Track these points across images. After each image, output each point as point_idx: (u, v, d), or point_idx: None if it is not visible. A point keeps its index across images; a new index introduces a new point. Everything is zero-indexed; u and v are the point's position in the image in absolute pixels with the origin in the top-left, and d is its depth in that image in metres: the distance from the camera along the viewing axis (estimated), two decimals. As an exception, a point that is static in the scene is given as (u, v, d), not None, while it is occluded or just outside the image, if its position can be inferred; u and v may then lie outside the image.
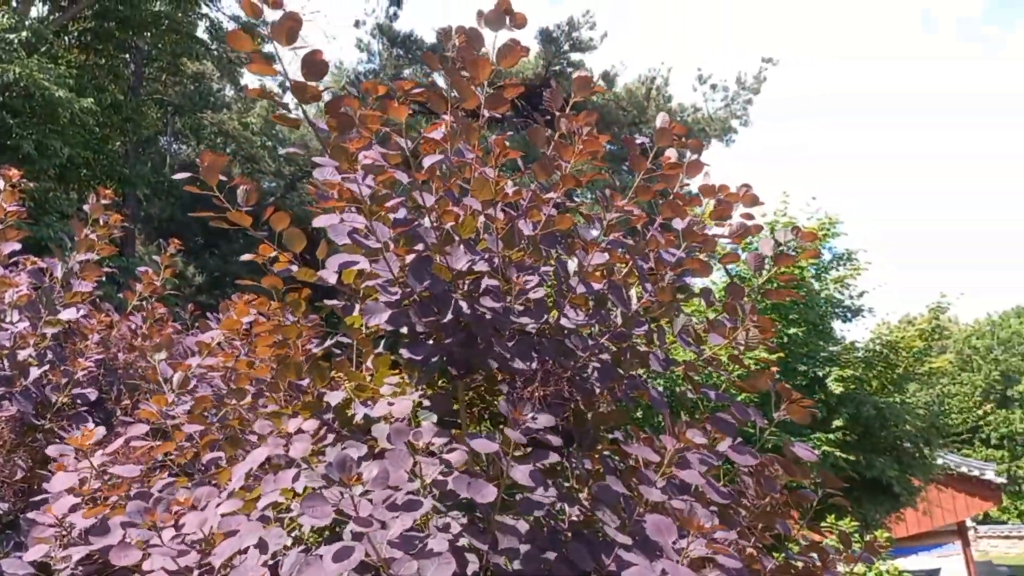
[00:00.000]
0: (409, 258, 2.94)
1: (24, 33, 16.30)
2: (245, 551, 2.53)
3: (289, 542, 2.66)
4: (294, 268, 3.12)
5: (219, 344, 3.89)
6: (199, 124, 25.32)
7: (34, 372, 3.95)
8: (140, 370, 4.41)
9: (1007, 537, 37.61)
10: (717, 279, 12.80)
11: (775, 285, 3.43)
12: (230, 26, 22.23)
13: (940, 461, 16.80)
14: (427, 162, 2.92)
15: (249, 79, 26.16)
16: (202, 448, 3.31)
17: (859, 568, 13.49)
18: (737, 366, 3.44)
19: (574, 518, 2.99)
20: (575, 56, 26.51)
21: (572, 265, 3.13)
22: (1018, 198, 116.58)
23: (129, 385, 4.33)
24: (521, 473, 2.58)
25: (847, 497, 3.24)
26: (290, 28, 2.74)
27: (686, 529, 2.52)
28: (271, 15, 2.74)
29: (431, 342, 2.98)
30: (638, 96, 26.36)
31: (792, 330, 12.67)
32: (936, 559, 22.80)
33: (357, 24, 26.76)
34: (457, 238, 2.98)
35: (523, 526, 2.68)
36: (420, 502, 2.45)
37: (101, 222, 4.76)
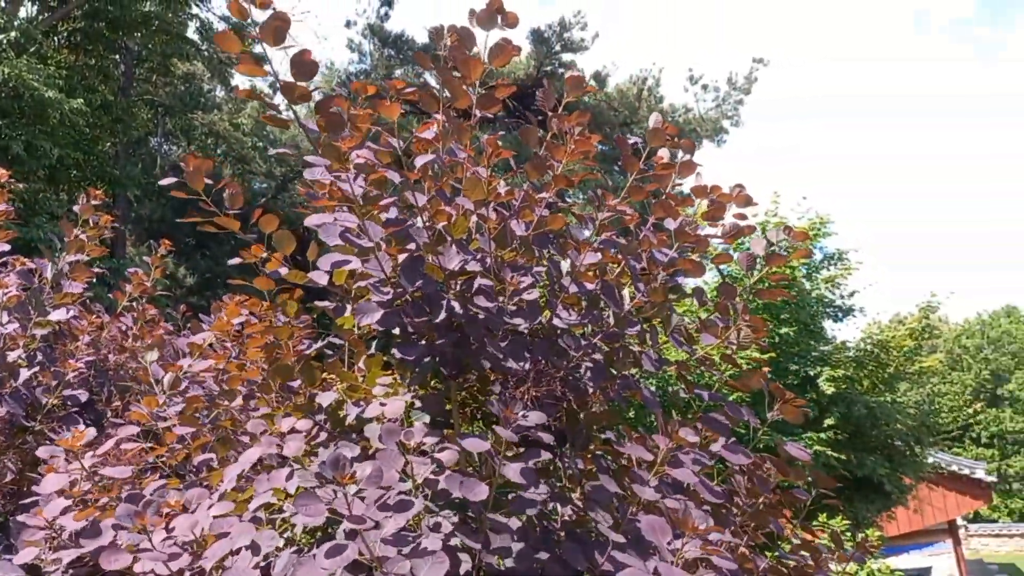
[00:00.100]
0: (401, 258, 2.93)
1: (13, 33, 16.22)
2: (236, 553, 2.51)
3: (281, 543, 2.65)
4: (284, 271, 3.10)
5: (210, 345, 3.87)
6: (190, 125, 25.21)
7: (24, 373, 3.93)
8: (131, 371, 4.39)
9: (997, 535, 37.79)
10: (709, 279, 12.83)
11: (766, 285, 3.43)
12: (220, 27, 22.16)
13: (931, 460, 16.87)
14: (420, 161, 2.92)
15: (240, 80, 26.06)
16: (194, 450, 3.29)
17: (851, 567, 13.53)
18: (729, 365, 3.44)
19: (566, 518, 2.99)
20: (566, 57, 26.49)
21: (565, 265, 3.12)
22: (1007, 199, 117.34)
23: (120, 386, 4.31)
24: (513, 471, 2.58)
25: (838, 496, 3.25)
26: (278, 28, 2.73)
27: (680, 529, 2.52)
28: (260, 16, 2.73)
29: (423, 342, 2.97)
30: (629, 96, 26.37)
31: (783, 329, 12.70)
32: (927, 558, 22.88)
33: (348, 24, 26.70)
34: (449, 238, 2.98)
35: (515, 524, 2.68)
36: (412, 502, 2.44)
37: (91, 223, 4.74)
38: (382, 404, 2.84)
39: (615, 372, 3.21)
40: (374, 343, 3.43)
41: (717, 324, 3.27)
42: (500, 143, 3.10)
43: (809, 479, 3.21)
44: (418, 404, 3.10)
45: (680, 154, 3.31)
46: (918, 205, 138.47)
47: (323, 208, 2.95)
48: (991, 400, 47.65)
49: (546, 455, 2.79)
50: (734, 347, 3.25)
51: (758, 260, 3.31)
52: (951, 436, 44.73)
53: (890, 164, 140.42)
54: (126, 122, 20.23)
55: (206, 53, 22.70)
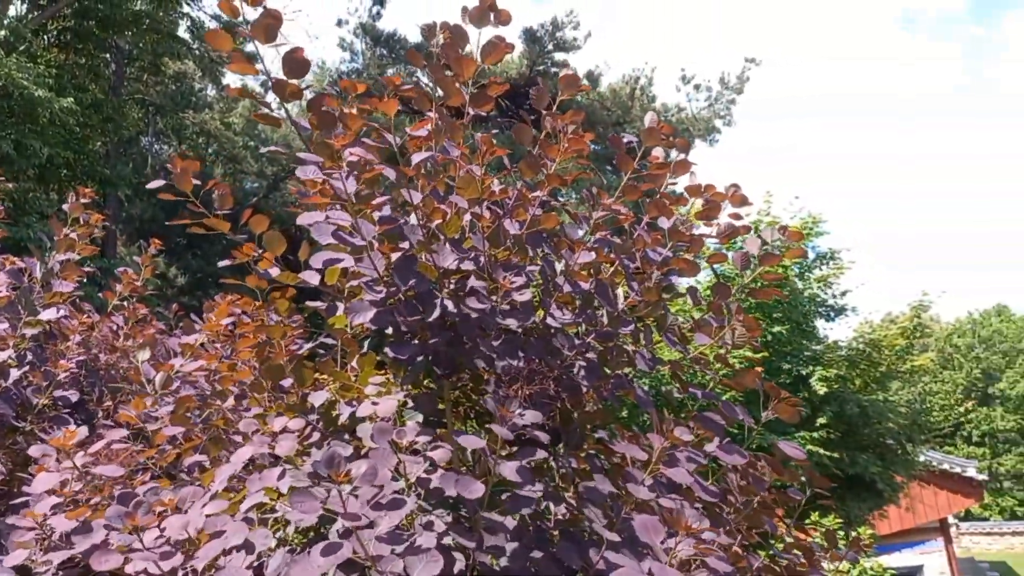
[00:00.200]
0: (394, 256, 2.92)
1: (2, 32, 16.16)
2: (229, 552, 2.50)
3: (273, 543, 2.64)
4: (276, 271, 3.08)
5: (202, 345, 3.85)
6: (181, 124, 25.15)
7: (14, 373, 3.90)
8: (122, 371, 4.36)
9: (988, 533, 37.98)
10: (702, 278, 12.83)
11: (760, 284, 3.43)
12: (212, 25, 22.10)
13: (922, 458, 16.93)
14: (416, 158, 2.91)
15: (231, 78, 26.02)
16: (184, 451, 3.27)
17: (844, 566, 13.56)
18: (723, 365, 3.44)
19: (559, 517, 2.98)
20: (559, 56, 26.53)
21: (559, 264, 3.12)
22: (999, 199, 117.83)
23: (111, 386, 4.28)
24: (509, 469, 2.57)
25: (831, 495, 3.25)
26: (269, 26, 2.71)
27: (674, 529, 2.51)
28: (252, 14, 2.72)
29: (416, 341, 2.96)
30: (622, 96, 26.41)
31: (776, 328, 12.72)
32: (919, 556, 22.96)
33: (340, 23, 26.68)
34: (443, 237, 2.96)
35: (511, 523, 2.67)
36: (405, 500, 2.43)
37: (81, 221, 4.71)
38: (374, 403, 2.83)
39: (609, 371, 3.21)
40: (367, 342, 3.42)
41: (711, 324, 3.27)
42: (494, 142, 3.09)
43: (803, 478, 3.21)
44: (411, 403, 3.09)
45: (674, 153, 3.30)
46: (912, 205, 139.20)
47: (315, 206, 2.93)
48: (982, 399, 47.89)
49: (541, 454, 2.78)
50: (728, 347, 3.25)
51: (752, 260, 3.31)
52: (943, 434, 44.94)
53: (885, 164, 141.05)
54: (117, 121, 20.15)
55: (197, 52, 22.65)
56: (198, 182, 2.90)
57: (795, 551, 3.13)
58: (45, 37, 20.50)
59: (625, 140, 3.30)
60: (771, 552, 3.17)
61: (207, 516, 2.66)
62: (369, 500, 2.37)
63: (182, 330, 4.41)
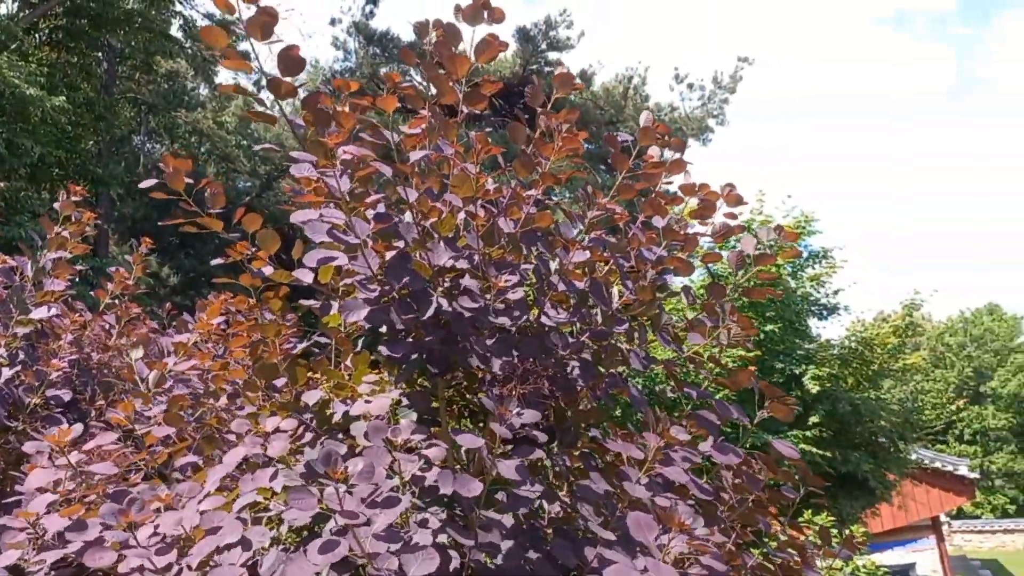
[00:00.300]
0: (388, 255, 2.91)
1: (-7, 30, 16.07)
2: (223, 550, 2.49)
3: (267, 542, 2.63)
4: (269, 270, 3.07)
5: (195, 344, 3.84)
6: (173, 123, 25.07)
7: (6, 373, 3.88)
8: (114, 370, 4.35)
9: (980, 531, 38.11)
10: (695, 277, 12.85)
11: (753, 283, 3.44)
12: (204, 24, 22.02)
13: (914, 456, 16.98)
14: (413, 156, 2.90)
15: (223, 77, 25.95)
16: (177, 451, 3.25)
17: (837, 563, 13.61)
18: (715, 365, 3.44)
19: (552, 515, 2.98)
20: (552, 55, 26.51)
21: (553, 263, 3.11)
22: (992, 199, 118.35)
23: (103, 385, 4.26)
24: (508, 468, 2.57)
25: (823, 493, 3.26)
26: (265, 23, 2.70)
27: (668, 526, 2.51)
28: (246, 12, 2.71)
29: (411, 339, 2.96)
30: (615, 95, 26.41)
31: (769, 327, 12.75)
32: (911, 554, 23.03)
33: (333, 22, 26.67)
34: (437, 235, 2.96)
35: (509, 522, 2.67)
36: (399, 498, 2.43)
37: (73, 219, 4.68)
38: (368, 401, 2.83)
39: (603, 370, 3.21)
40: (361, 341, 3.41)
41: (705, 323, 3.27)
42: (488, 140, 3.09)
43: (797, 477, 3.22)
44: (405, 402, 3.09)
45: (668, 152, 3.30)
46: (904, 205, 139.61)
47: (309, 204, 2.93)
48: (974, 397, 48.09)
49: (538, 452, 2.78)
50: (724, 345, 3.25)
51: (748, 259, 3.31)
52: (934, 433, 45.08)
53: (878, 165, 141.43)
54: (109, 120, 20.09)
55: (190, 51, 22.59)
56: (191, 180, 2.89)
57: (789, 549, 3.14)
58: (36, 35, 20.41)
59: (620, 139, 3.30)
60: (765, 550, 3.18)
61: (204, 512, 2.66)
62: (365, 498, 2.37)
63: (175, 329, 4.40)
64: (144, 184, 3.00)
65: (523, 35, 25.78)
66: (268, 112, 2.99)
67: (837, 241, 48.59)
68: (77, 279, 4.72)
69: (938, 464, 23.28)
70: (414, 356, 2.94)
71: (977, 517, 42.15)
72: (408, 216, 2.96)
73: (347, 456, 2.57)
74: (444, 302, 2.88)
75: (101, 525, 2.62)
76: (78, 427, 3.11)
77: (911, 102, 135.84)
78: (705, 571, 2.53)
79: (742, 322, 3.23)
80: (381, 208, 2.97)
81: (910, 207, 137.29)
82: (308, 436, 2.95)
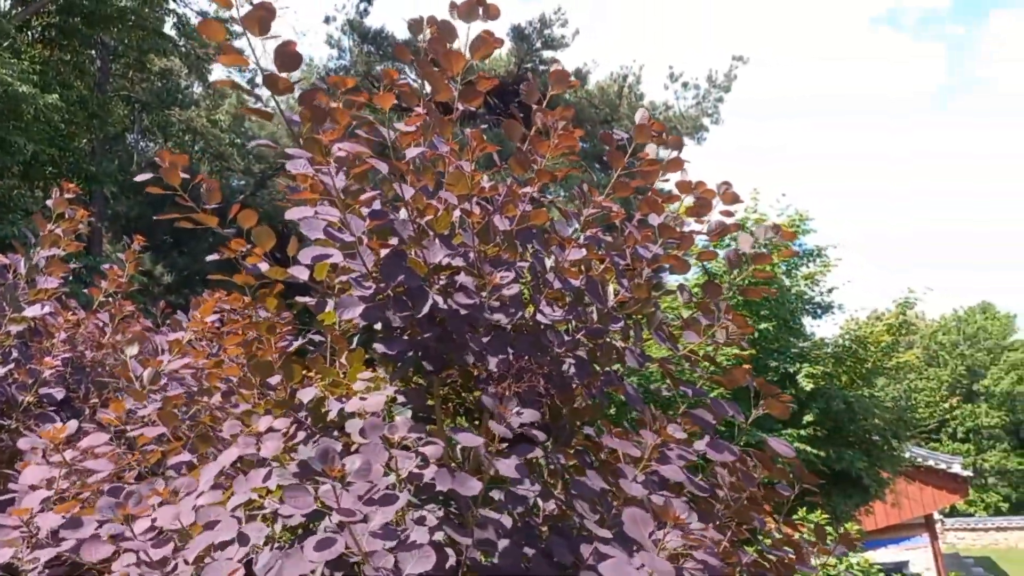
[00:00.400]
0: (384, 252, 2.90)
1: (-14, 27, 16.01)
2: (219, 547, 2.48)
3: (264, 539, 2.62)
4: (264, 267, 3.06)
5: (190, 342, 3.82)
6: (167, 121, 24.99)
7: (-1, 371, 3.87)
8: (108, 368, 4.33)
9: (973, 529, 38.25)
10: (690, 275, 12.85)
11: (749, 282, 3.44)
12: (198, 21, 21.96)
13: (908, 454, 17.03)
14: (409, 154, 2.89)
15: (218, 74, 25.88)
16: (171, 450, 3.24)
17: (830, 561, 13.63)
18: (711, 363, 3.44)
19: (548, 513, 2.98)
20: (547, 54, 26.50)
21: (549, 261, 3.11)
22: (986, 199, 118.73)
23: (97, 383, 4.25)
24: (507, 466, 2.57)
25: (818, 491, 3.26)
26: (262, 18, 2.69)
27: (663, 521, 2.52)
28: (241, 11, 2.70)
29: (406, 337, 2.95)
30: (610, 94, 26.41)
31: (763, 326, 12.77)
32: (904, 551, 23.10)
33: (327, 20, 26.53)
34: (432, 232, 2.95)
35: (507, 520, 2.67)
36: (396, 496, 2.42)
37: (66, 216, 4.66)
38: (363, 399, 2.82)
39: (599, 368, 3.20)
40: (356, 338, 3.40)
41: (700, 322, 3.27)
42: (484, 137, 3.08)
43: (792, 475, 3.22)
44: (400, 399, 3.08)
45: (664, 150, 3.30)
46: (899, 204, 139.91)
47: (304, 201, 2.92)
48: (967, 395, 48.25)
49: (537, 451, 2.78)
50: (719, 344, 3.25)
51: (744, 258, 3.31)
52: (928, 431, 45.16)
53: (874, 164, 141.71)
54: (102, 118, 20.04)
55: (183, 49, 22.54)
56: (186, 176, 2.88)
57: (784, 546, 3.14)
58: (29, 33, 20.34)
59: (616, 136, 3.29)
60: (759, 547, 3.18)
61: (200, 507, 2.65)
62: (362, 495, 2.36)
63: (169, 327, 4.38)
64: (140, 178, 2.99)
65: (518, 33, 25.76)
66: (263, 108, 2.98)
67: (833, 239, 48.75)
68: (70, 277, 4.70)
69: (931, 462, 23.35)
70: (409, 353, 2.94)
71: (970, 515, 42.29)
72: (403, 213, 2.95)
73: (343, 453, 2.56)
74: (440, 299, 2.88)
75: (97, 520, 2.61)
76: (72, 424, 3.10)
77: (906, 101, 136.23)
78: (700, 566, 2.54)
79: (738, 320, 3.23)
80: (376, 205, 2.96)
81: (908, 206, 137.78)
82: (301, 435, 2.94)
